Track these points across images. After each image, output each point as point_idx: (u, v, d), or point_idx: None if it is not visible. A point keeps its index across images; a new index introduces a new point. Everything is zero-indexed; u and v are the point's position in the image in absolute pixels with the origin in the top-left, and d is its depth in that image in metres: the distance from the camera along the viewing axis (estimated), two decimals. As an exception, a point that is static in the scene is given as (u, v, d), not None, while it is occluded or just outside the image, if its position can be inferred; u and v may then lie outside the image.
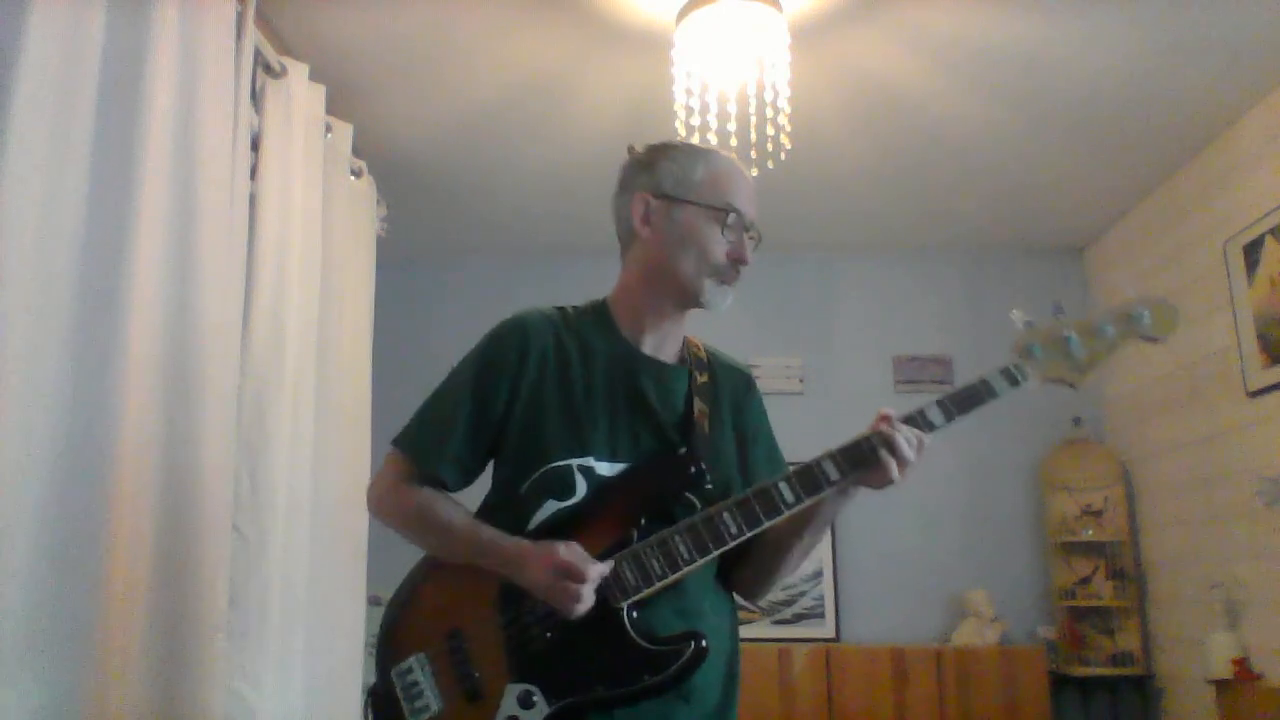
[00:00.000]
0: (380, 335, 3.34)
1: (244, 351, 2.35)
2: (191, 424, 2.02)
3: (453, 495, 1.41)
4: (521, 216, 4.09)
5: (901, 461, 1.27)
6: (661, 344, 1.44)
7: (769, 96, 2.63)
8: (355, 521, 2.88)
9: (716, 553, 1.27)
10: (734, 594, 1.47)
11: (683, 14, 2.57)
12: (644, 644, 1.25)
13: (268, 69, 2.57)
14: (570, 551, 1.23)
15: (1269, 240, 3.07)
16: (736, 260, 1.40)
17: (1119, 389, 4.14)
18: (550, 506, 1.32)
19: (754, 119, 2.75)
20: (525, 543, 1.28)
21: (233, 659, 2.19)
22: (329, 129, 2.94)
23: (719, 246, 1.39)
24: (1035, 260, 4.37)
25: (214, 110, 2.15)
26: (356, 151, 3.18)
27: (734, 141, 2.77)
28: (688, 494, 1.33)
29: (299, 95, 2.66)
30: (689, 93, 2.65)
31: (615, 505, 1.31)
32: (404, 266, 4.26)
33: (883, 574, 4.13)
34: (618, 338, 1.42)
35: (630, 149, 1.49)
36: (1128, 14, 2.68)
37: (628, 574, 1.25)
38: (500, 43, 2.85)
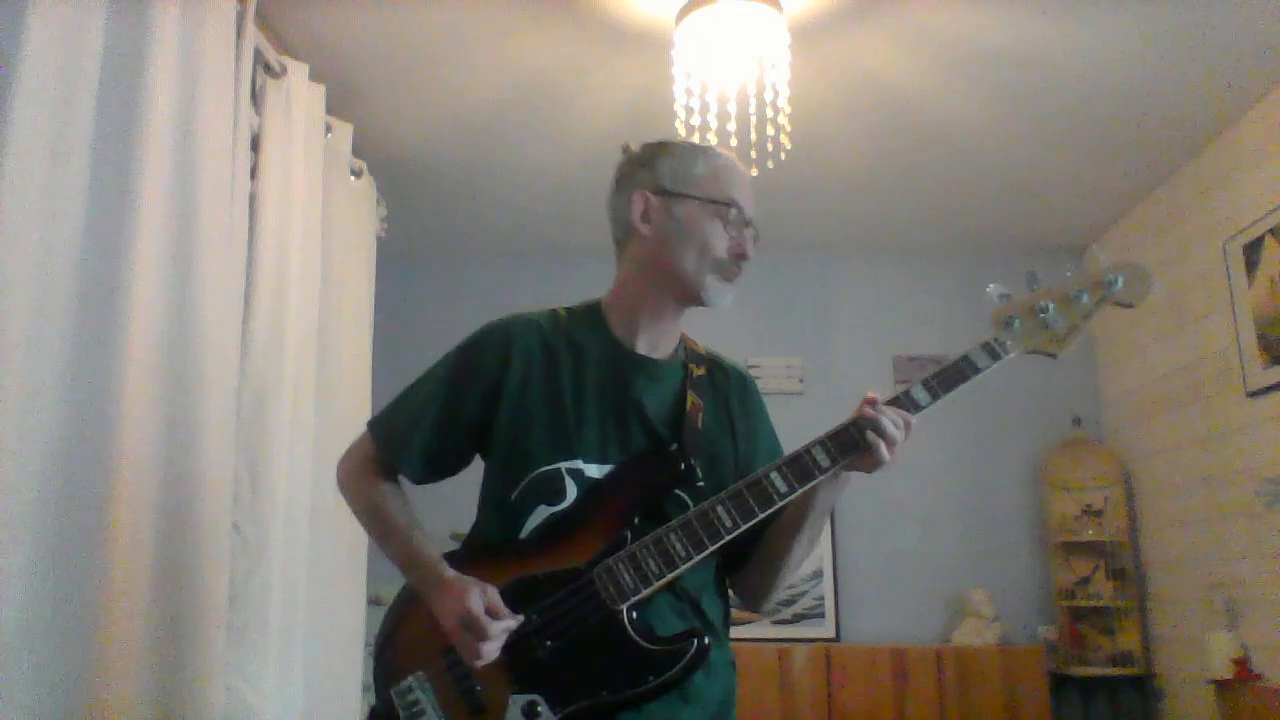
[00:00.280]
0: (380, 335, 3.34)
1: (244, 351, 2.36)
2: (191, 424, 2.02)
3: (419, 487, 1.42)
4: (521, 216, 4.09)
5: (890, 442, 1.25)
6: (656, 343, 1.43)
7: (769, 96, 2.64)
8: (355, 521, 2.87)
9: (713, 547, 1.25)
10: (741, 601, 1.46)
11: (682, 14, 2.57)
12: (646, 645, 1.23)
13: (268, 69, 2.57)
14: (482, 601, 1.21)
15: (1269, 240, 3.06)
16: (738, 255, 1.39)
17: (1119, 389, 4.14)
18: (542, 512, 1.31)
19: (754, 119, 2.75)
20: (446, 574, 1.27)
21: (232, 659, 2.19)
22: (329, 129, 2.95)
23: (721, 241, 1.38)
24: (1035, 260, 4.35)
25: (214, 110, 2.15)
26: (356, 151, 3.18)
27: (734, 141, 2.76)
28: (678, 491, 1.32)
29: (299, 95, 2.66)
30: (689, 93, 2.65)
31: (607, 506, 1.29)
32: (404, 266, 4.26)
33: (883, 574, 4.13)
34: (610, 339, 1.41)
35: (625, 148, 1.48)
36: (1128, 14, 2.68)
37: (625, 575, 1.24)
38: (500, 43, 2.85)
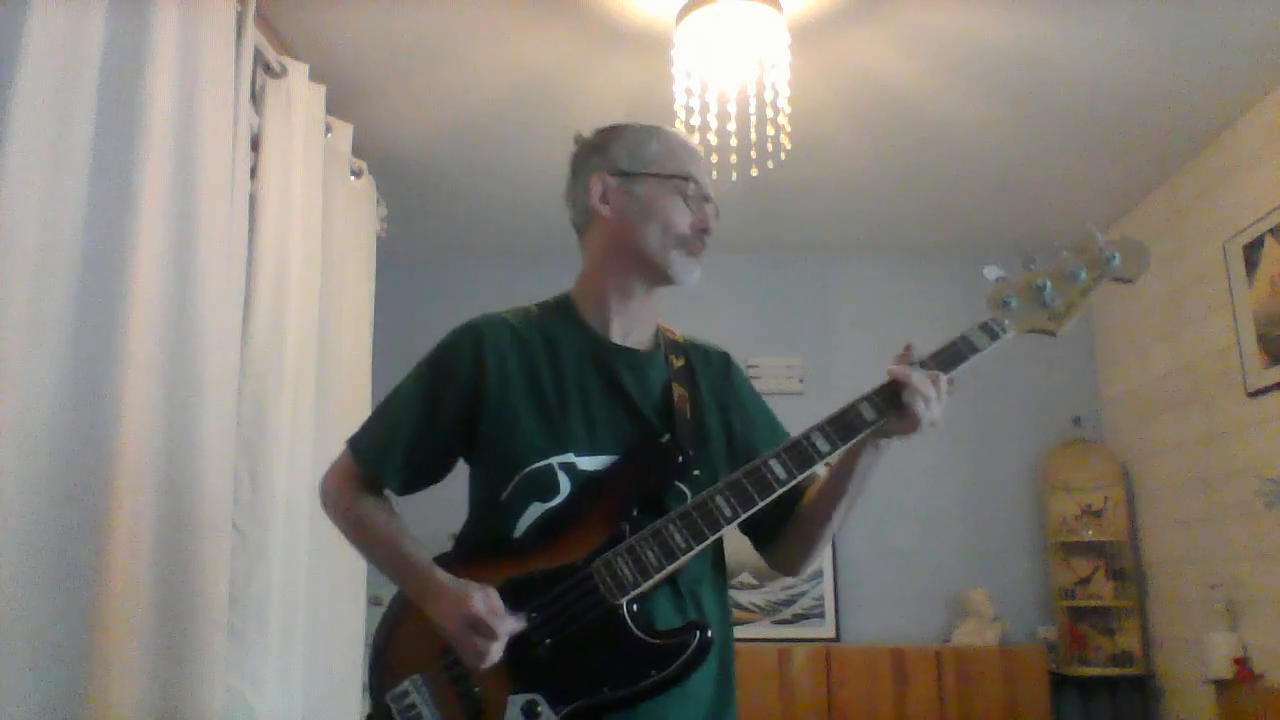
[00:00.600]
0: (380, 335, 3.34)
1: (244, 351, 2.35)
2: (191, 424, 2.02)
3: (399, 498, 1.41)
4: (522, 216, 4.08)
5: (925, 398, 1.24)
6: (630, 329, 1.41)
7: (769, 96, 2.64)
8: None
9: (712, 538, 1.24)
10: (776, 570, 1.46)
11: (682, 14, 2.57)
12: (648, 639, 1.21)
13: (268, 69, 2.57)
14: (486, 603, 1.20)
15: (1269, 240, 3.06)
16: (701, 229, 1.38)
17: (1119, 389, 4.14)
18: (536, 509, 1.29)
19: (754, 119, 2.75)
20: (442, 578, 1.26)
21: (232, 658, 2.19)
22: (329, 129, 2.94)
23: (683, 217, 1.37)
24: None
25: (214, 110, 2.15)
26: (356, 151, 3.18)
27: (734, 141, 2.77)
28: (677, 483, 1.30)
29: (299, 95, 2.66)
30: (689, 93, 2.65)
31: (604, 500, 1.28)
32: (404, 266, 4.26)
33: (883, 574, 4.13)
34: (583, 328, 1.40)
35: (577, 136, 1.47)
36: (1128, 14, 2.68)
37: (624, 569, 1.22)
38: (500, 43, 2.85)
